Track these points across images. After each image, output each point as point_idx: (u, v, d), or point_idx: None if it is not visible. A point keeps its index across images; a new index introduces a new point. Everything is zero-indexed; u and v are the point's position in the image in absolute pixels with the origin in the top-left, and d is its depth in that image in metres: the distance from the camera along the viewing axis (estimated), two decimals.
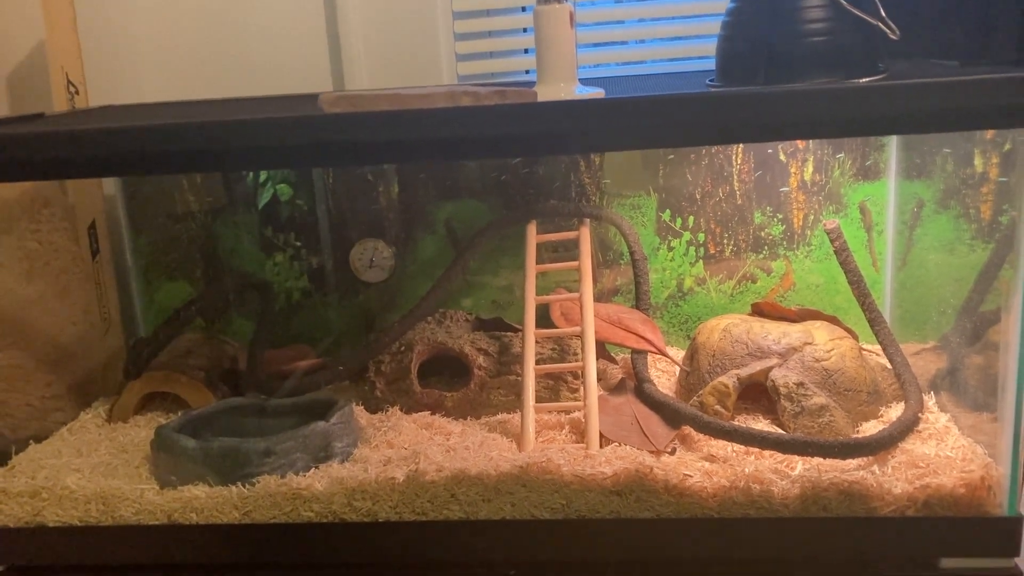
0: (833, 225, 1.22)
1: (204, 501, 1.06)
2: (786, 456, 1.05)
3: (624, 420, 1.19)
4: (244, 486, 1.07)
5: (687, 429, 1.14)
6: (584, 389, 1.17)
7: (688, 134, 0.95)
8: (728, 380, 1.17)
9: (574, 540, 1.02)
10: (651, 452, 1.08)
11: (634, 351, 1.31)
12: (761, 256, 1.40)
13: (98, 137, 0.95)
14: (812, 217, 1.38)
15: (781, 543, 1.00)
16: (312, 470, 1.09)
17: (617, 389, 1.29)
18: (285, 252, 1.45)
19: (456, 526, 1.04)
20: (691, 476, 1.02)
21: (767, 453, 1.06)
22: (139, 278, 1.48)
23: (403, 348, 1.31)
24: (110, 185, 1.47)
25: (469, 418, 1.26)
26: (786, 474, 1.01)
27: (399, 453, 1.12)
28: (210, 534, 1.06)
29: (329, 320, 1.47)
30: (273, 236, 1.44)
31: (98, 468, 1.14)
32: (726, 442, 1.09)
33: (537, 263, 1.31)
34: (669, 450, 1.09)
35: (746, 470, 1.02)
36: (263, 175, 1.43)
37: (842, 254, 1.22)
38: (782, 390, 1.14)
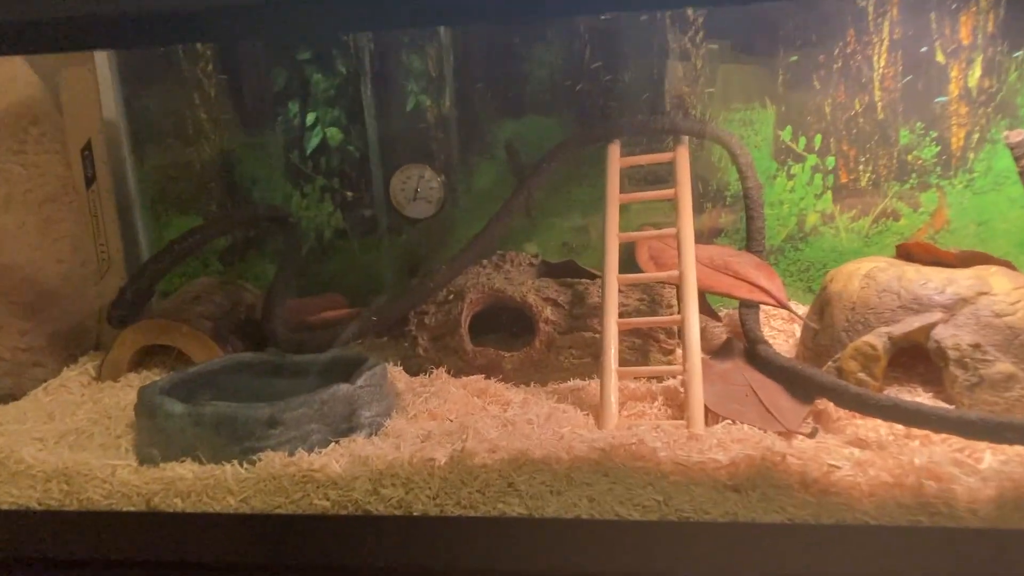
0: (1019, 138, 0.92)
1: (191, 483, 0.83)
2: (968, 442, 0.77)
3: (735, 391, 0.92)
4: (242, 465, 0.83)
5: (822, 404, 0.86)
6: (683, 349, 0.91)
7: None
8: (876, 340, 0.89)
9: (674, 550, 0.76)
10: (779, 433, 0.81)
11: (744, 304, 1.04)
12: (907, 186, 1.11)
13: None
14: (976, 135, 1.08)
15: (967, 563, 0.71)
16: (331, 446, 0.85)
17: (722, 352, 1.02)
18: (314, 182, 1.20)
19: (514, 526, 0.78)
20: (838, 468, 0.74)
21: (940, 437, 0.78)
22: (145, 212, 1.26)
23: (452, 296, 1.05)
24: (110, 106, 1.24)
25: (533, 384, 1.01)
26: (973, 468, 0.73)
27: (442, 427, 0.88)
28: (198, 525, 0.83)
29: (366, 265, 1.22)
30: (301, 163, 1.19)
31: (67, 437, 0.93)
32: (881, 422, 0.81)
33: (621, 192, 1.04)
34: (806, 431, 0.81)
35: (915, 460, 0.74)
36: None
37: None
38: (951, 354, 0.86)
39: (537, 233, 1.19)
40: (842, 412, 0.85)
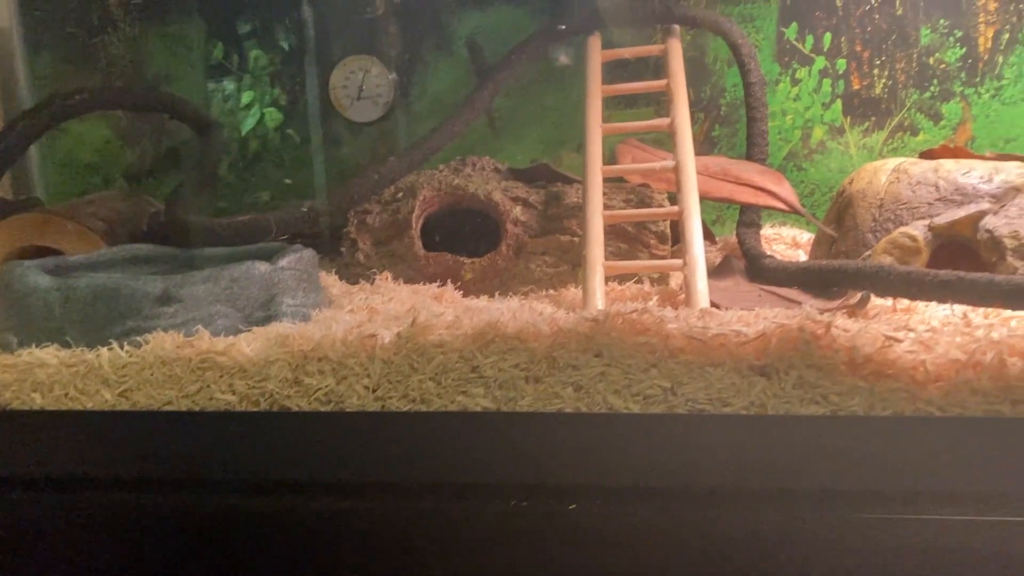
0: None
1: (55, 371, 0.64)
2: None
3: (746, 295, 0.76)
4: (123, 348, 0.63)
5: (854, 298, 0.70)
6: (684, 243, 0.74)
7: None
8: (915, 230, 0.74)
9: (683, 450, 0.58)
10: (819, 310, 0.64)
11: (742, 222, 0.89)
12: (927, 95, 0.97)
13: None
14: (1006, 35, 0.95)
15: None
16: (241, 335, 0.66)
17: (720, 271, 0.86)
18: (240, 80, 1.02)
19: (478, 423, 0.60)
20: (898, 341, 0.58)
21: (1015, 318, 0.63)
22: (29, 56, 1.05)
23: (400, 195, 0.88)
24: None
25: (499, 296, 0.82)
26: None
27: (388, 310, 0.69)
28: (60, 428, 0.62)
29: (300, 181, 1.04)
30: (225, 56, 1.02)
31: None
32: (934, 313, 0.66)
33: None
34: (852, 301, 0.65)
35: (993, 336, 0.58)
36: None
37: None
38: (1008, 243, 0.72)
39: (501, 147, 1.03)
40: (879, 309, 0.69)
